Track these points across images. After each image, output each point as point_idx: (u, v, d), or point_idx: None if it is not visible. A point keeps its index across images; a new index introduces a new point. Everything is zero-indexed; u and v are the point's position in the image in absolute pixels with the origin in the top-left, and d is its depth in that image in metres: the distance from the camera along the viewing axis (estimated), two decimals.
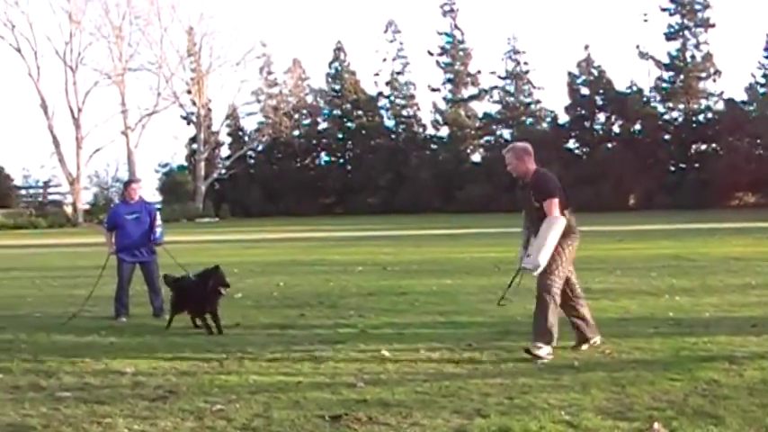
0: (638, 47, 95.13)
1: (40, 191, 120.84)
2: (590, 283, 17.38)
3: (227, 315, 13.75)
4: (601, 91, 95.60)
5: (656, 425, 6.79)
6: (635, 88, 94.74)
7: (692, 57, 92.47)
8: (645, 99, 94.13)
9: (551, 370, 9.01)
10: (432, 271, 21.37)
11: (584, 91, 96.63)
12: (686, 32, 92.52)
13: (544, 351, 9.65)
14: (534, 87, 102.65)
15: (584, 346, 10.28)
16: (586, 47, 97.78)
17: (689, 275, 18.87)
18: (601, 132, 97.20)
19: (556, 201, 10.00)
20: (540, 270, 10.03)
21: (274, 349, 10.72)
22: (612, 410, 7.37)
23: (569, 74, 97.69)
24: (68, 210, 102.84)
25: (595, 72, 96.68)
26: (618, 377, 8.64)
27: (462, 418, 7.19)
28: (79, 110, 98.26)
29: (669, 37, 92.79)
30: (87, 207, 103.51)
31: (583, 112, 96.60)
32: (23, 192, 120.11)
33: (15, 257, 35.65)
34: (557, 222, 9.94)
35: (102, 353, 10.82)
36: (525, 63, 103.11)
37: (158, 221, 15.03)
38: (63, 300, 16.96)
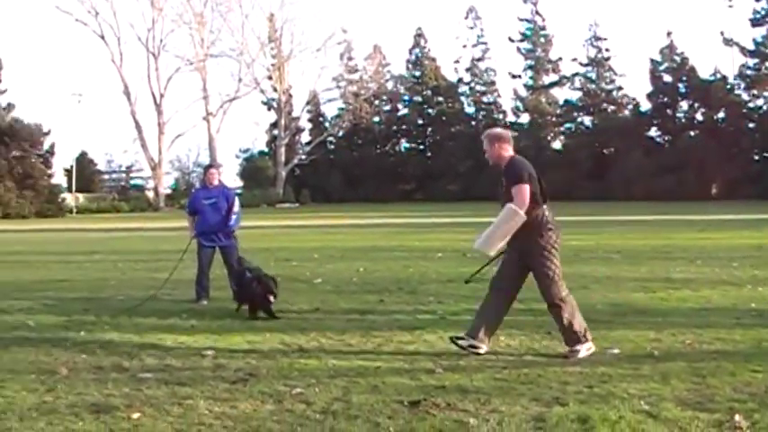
0: (722, 33, 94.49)
1: (123, 176, 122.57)
2: (671, 272, 17.33)
3: (307, 300, 13.89)
4: (684, 78, 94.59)
5: (736, 417, 6.71)
6: (718, 75, 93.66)
7: None
8: (729, 86, 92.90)
9: (631, 359, 8.94)
10: None
11: (667, 78, 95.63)
12: None
13: (583, 350, 9.35)
14: (616, 74, 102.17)
15: (463, 342, 9.54)
16: (669, 33, 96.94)
17: None
18: (683, 120, 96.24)
19: (526, 187, 9.45)
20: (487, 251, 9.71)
21: (353, 334, 10.77)
22: (692, 401, 7.28)
23: (652, 61, 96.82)
24: (150, 194, 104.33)
25: (678, 59, 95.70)
26: (698, 368, 8.52)
27: (541, 405, 7.17)
28: (161, 96, 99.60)
29: (755, 23, 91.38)
30: (169, 192, 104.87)
31: (665, 99, 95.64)
32: (106, 176, 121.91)
33: (98, 241, 36.19)
34: (516, 215, 9.41)
35: (184, 335, 10.98)
36: (607, 50, 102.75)
37: (236, 207, 15.09)
38: (145, 283, 17.17)
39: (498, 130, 10.73)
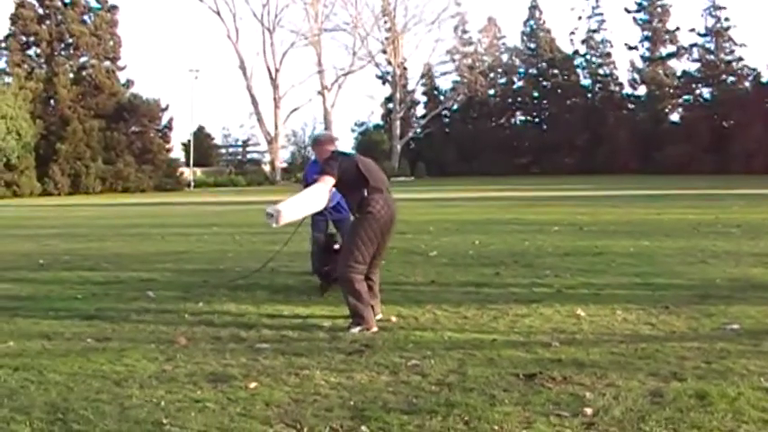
0: None
1: (240, 150, 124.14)
2: None
3: (423, 272, 13.89)
4: None
5: None
6: None
7: None
8: None
9: (751, 335, 8.73)
10: (629, 232, 21.03)
11: None
12: None
13: (356, 330, 9.43)
14: (736, 44, 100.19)
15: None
16: None
17: None
18: None
19: (326, 177, 9.90)
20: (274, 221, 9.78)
21: (469, 307, 10.74)
22: None
23: None
24: (266, 168, 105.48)
25: None
26: None
27: (658, 380, 7.07)
28: (277, 70, 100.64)
29: None
30: (285, 166, 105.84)
31: None
32: (223, 151, 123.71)
33: (216, 214, 36.69)
34: (313, 188, 10.03)
35: (300, 306, 11.07)
36: (726, 19, 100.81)
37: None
38: (263, 255, 17.27)
39: (324, 134, 11.92)
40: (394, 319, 10.06)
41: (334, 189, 10.19)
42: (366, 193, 9.88)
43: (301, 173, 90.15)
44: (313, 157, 12.82)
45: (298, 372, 7.52)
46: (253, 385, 7.10)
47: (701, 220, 24.41)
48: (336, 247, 12.01)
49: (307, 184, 14.95)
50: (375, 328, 9.50)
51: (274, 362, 7.95)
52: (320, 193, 9.95)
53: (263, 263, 14.30)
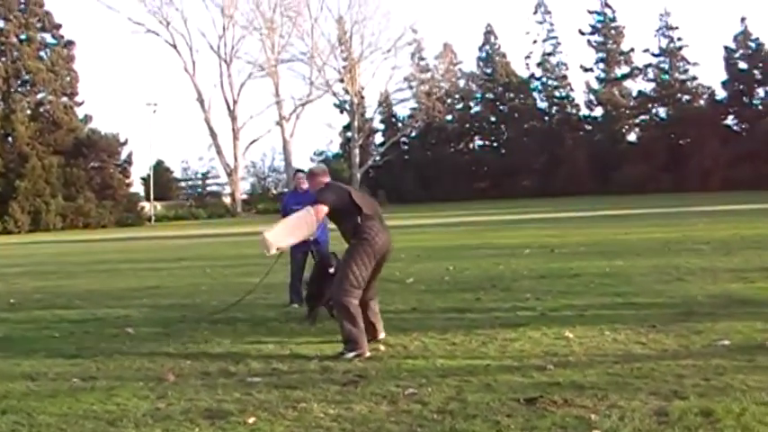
0: None
1: (199, 183, 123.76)
2: (767, 261, 17.04)
3: (402, 300, 13.84)
4: (760, 64, 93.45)
5: None
6: None
7: None
8: None
9: (743, 351, 8.74)
10: (601, 252, 21.09)
11: (743, 65, 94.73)
12: None
13: (350, 355, 9.55)
14: (689, 63, 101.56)
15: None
16: (743, 19, 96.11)
17: None
18: (761, 107, 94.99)
19: (320, 206, 10.18)
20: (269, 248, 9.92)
21: (456, 333, 10.67)
22: None
23: (726, 48, 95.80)
24: (227, 200, 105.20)
25: (753, 45, 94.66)
26: None
27: (660, 399, 7.04)
28: (234, 102, 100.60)
29: None
30: (245, 197, 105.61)
31: (741, 87, 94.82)
32: (183, 184, 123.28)
33: (182, 247, 36.49)
34: (304, 213, 10.27)
35: (285, 339, 10.95)
36: (679, 39, 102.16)
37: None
38: (237, 287, 17.23)
39: (317, 167, 11.73)
40: (382, 348, 9.99)
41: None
42: (360, 221, 10.06)
43: (262, 204, 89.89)
44: (290, 189, 12.77)
45: (294, 405, 7.41)
46: (251, 420, 6.98)
47: (669, 239, 24.55)
48: (331, 270, 11.83)
49: (284, 215, 14.89)
50: (368, 354, 9.53)
51: (269, 396, 7.83)
52: (311, 220, 10.06)
53: (239, 295, 14.18)
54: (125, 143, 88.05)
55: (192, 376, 8.90)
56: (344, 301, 9.78)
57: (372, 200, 10.74)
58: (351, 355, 9.50)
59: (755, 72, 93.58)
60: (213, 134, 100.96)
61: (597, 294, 13.67)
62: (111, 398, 8.02)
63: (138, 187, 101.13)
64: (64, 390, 8.52)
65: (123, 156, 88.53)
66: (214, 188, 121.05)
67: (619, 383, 7.65)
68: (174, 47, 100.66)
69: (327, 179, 10.98)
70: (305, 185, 15.01)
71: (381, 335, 10.52)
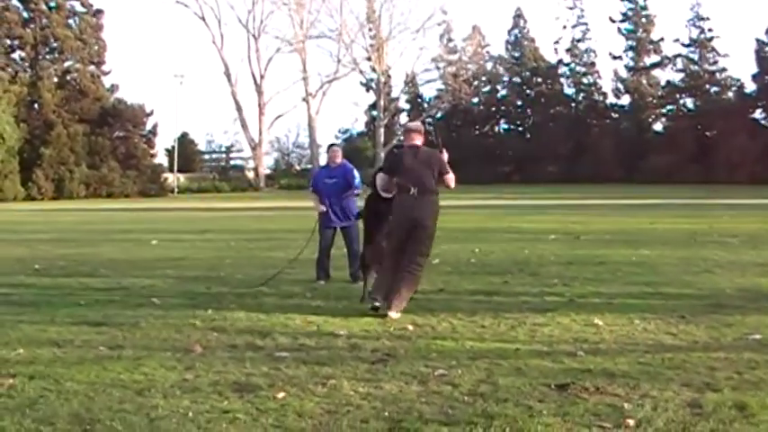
0: None
1: (223, 156, 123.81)
2: None
3: (429, 281, 13.72)
4: None
5: None
6: None
7: None
8: None
9: None
10: (626, 241, 20.98)
11: None
12: None
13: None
14: (719, 55, 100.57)
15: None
16: None
17: None
18: None
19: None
20: None
21: (484, 315, 10.63)
22: None
23: (757, 40, 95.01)
24: (250, 174, 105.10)
25: None
26: None
27: (693, 391, 6.96)
28: (261, 77, 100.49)
29: None
30: (269, 172, 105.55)
31: None
32: (207, 157, 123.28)
33: (206, 220, 36.56)
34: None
35: (312, 315, 10.89)
36: (710, 30, 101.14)
37: (357, 179, 14.85)
38: (262, 261, 17.27)
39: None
40: (410, 327, 9.93)
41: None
42: None
43: (285, 179, 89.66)
44: (322, 164, 12.84)
45: (324, 381, 7.36)
46: (281, 395, 6.93)
47: (695, 230, 24.44)
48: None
49: (315, 189, 14.87)
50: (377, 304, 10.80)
51: (297, 371, 7.78)
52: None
53: (265, 269, 14.18)
54: (151, 114, 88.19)
55: (219, 348, 8.86)
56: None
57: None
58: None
59: None
60: (239, 108, 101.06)
61: (624, 283, 13.59)
62: (138, 367, 7.99)
63: (162, 158, 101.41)
64: (90, 357, 8.49)
65: (148, 126, 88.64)
66: (238, 162, 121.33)
67: (650, 373, 7.58)
68: (203, 19, 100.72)
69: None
70: (338, 159, 15.00)
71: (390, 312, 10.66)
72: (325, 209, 14.70)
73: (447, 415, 6.38)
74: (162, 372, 7.83)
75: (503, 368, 7.80)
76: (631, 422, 6.11)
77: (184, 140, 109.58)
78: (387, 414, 6.42)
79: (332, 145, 16.02)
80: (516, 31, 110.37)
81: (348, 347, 8.84)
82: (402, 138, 12.14)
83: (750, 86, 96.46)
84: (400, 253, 11.18)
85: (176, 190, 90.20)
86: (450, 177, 11.74)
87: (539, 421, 6.16)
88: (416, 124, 12.63)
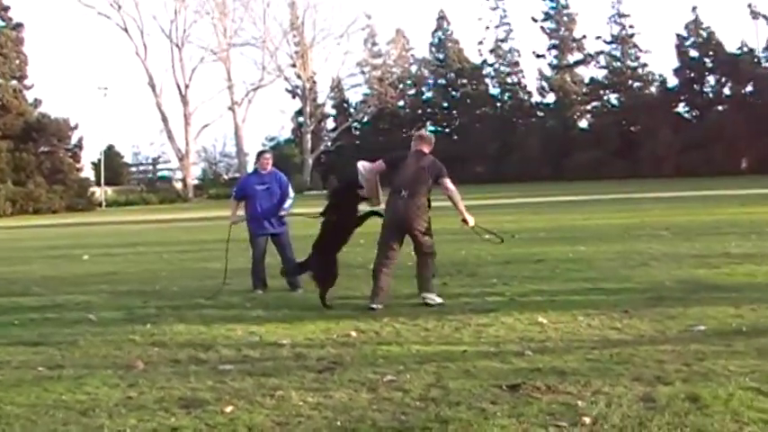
0: (749, 6, 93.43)
1: (150, 168, 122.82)
2: (728, 247, 17.13)
3: (368, 286, 13.60)
4: (710, 53, 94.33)
5: None
6: (746, 49, 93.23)
7: None
8: (756, 59, 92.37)
9: (720, 336, 8.74)
10: (562, 238, 21.09)
11: (693, 53, 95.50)
12: None
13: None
14: (641, 51, 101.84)
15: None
16: (694, 8, 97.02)
17: None
18: (711, 95, 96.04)
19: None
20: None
21: (427, 318, 10.58)
22: None
23: (677, 36, 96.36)
24: (178, 185, 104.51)
25: (704, 33, 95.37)
26: None
27: (644, 385, 6.97)
28: (186, 86, 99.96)
29: None
30: (197, 182, 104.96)
31: (692, 74, 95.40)
32: (134, 169, 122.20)
33: (136, 233, 36.17)
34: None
35: (253, 325, 10.75)
36: (631, 26, 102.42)
37: (291, 193, 14.89)
38: (197, 273, 17.09)
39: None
40: (354, 333, 9.84)
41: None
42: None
43: (214, 189, 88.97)
44: (250, 169, 12.77)
45: (271, 393, 7.24)
46: (229, 409, 6.80)
47: (628, 224, 24.65)
48: None
49: (244, 196, 14.71)
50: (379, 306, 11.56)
51: (243, 383, 7.65)
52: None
53: (200, 281, 14.03)
54: (75, 127, 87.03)
55: (162, 364, 8.70)
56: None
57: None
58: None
59: (706, 60, 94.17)
60: (164, 119, 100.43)
61: (564, 280, 13.66)
62: (80, 386, 7.81)
63: (88, 172, 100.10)
64: (29, 379, 8.27)
65: (74, 140, 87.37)
66: (165, 173, 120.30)
67: (600, 369, 7.58)
68: (126, 30, 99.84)
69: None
70: (269, 166, 14.90)
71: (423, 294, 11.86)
72: (238, 221, 14.68)
73: (400, 422, 6.31)
74: (105, 390, 7.66)
75: (451, 371, 7.75)
76: (587, 420, 6.10)
77: (110, 153, 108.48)
78: (339, 423, 6.33)
79: (264, 152, 15.89)
80: (440, 32, 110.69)
81: (293, 357, 8.73)
82: (412, 141, 12.85)
83: (672, 81, 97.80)
84: (391, 251, 12.25)
85: (104, 203, 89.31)
86: (448, 181, 12.36)
87: (494, 423, 6.12)
88: (428, 134, 13.51)
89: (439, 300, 11.66)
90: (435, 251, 12.37)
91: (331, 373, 7.87)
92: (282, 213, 14.75)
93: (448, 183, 12.29)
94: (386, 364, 8.16)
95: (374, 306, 11.52)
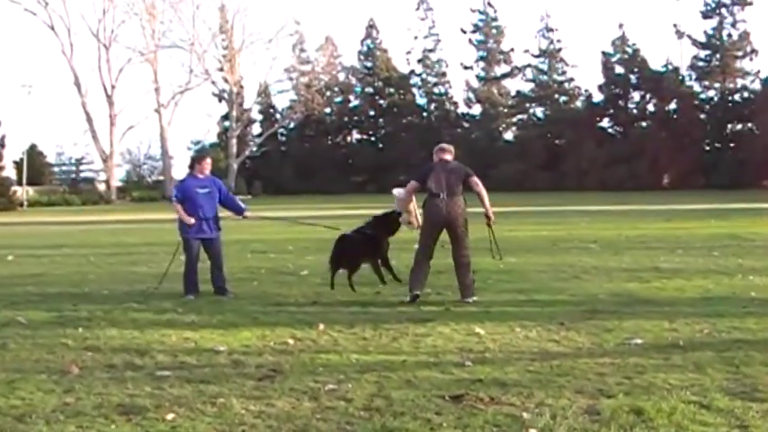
0: (674, 25, 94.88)
1: (73, 168, 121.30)
2: (656, 262, 17.37)
3: (301, 293, 13.64)
4: (635, 70, 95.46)
5: None
6: (670, 67, 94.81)
7: (729, 35, 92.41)
8: (680, 78, 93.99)
9: (658, 350, 8.86)
10: (490, 249, 21.09)
11: (619, 69, 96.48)
12: (723, 10, 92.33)
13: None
14: (567, 65, 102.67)
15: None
16: (621, 25, 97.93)
17: (753, 255, 18.70)
18: (635, 111, 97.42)
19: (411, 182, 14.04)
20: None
21: (364, 327, 10.58)
22: (737, 391, 7.22)
23: (603, 52, 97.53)
24: (101, 187, 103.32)
25: (630, 50, 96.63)
26: (728, 357, 8.47)
27: (587, 398, 7.02)
28: (112, 87, 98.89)
29: (705, 15, 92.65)
30: (120, 184, 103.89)
31: (617, 90, 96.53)
32: (56, 169, 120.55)
33: (60, 234, 35.57)
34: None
35: (188, 331, 10.66)
36: (558, 41, 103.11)
37: (237, 197, 14.85)
38: (126, 276, 16.91)
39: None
40: (291, 341, 9.77)
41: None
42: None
43: (137, 192, 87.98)
44: (175, 175, 12.58)
45: (212, 401, 7.16)
46: (170, 417, 6.72)
47: (556, 237, 24.83)
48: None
49: (184, 198, 14.49)
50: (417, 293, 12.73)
51: (183, 390, 7.57)
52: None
53: (130, 284, 13.83)
54: None
55: (97, 369, 8.57)
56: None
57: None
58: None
59: (631, 77, 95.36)
60: (89, 119, 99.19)
61: (497, 291, 13.78)
62: (13, 391, 7.68)
63: (10, 171, 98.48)
64: None
65: None
66: (89, 174, 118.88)
67: (541, 381, 7.62)
68: (52, 28, 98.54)
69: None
70: (208, 170, 14.77)
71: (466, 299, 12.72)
72: (194, 221, 14.36)
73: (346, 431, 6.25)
74: (40, 395, 7.53)
75: (393, 381, 7.73)
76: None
77: (33, 152, 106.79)
78: None
79: (203, 156, 15.77)
80: (369, 41, 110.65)
81: (231, 364, 8.65)
82: (434, 154, 13.94)
83: (597, 96, 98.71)
84: (431, 249, 13.42)
85: (26, 203, 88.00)
86: (476, 179, 13.52)
87: None
88: (448, 144, 14.41)
89: (476, 297, 12.79)
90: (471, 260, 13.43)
91: (271, 381, 7.81)
92: (241, 214, 14.86)
93: (477, 180, 13.42)
94: (326, 372, 8.12)
95: (418, 293, 12.71)
